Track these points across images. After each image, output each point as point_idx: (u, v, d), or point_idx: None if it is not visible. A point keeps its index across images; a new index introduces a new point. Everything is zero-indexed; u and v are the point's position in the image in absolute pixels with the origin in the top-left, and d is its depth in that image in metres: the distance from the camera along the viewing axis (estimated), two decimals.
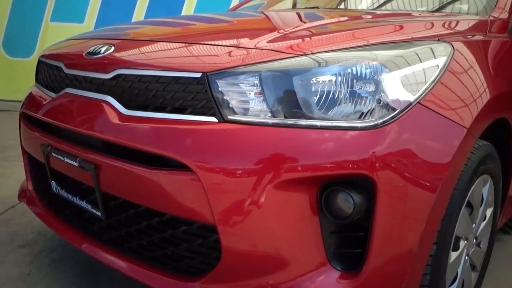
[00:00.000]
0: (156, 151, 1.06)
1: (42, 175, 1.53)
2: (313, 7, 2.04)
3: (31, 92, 1.64)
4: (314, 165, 0.97)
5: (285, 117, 1.00)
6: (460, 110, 1.09)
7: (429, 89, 1.05)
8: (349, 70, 1.02)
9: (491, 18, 1.54)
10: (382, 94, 1.01)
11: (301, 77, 1.01)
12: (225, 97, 1.02)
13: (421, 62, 1.08)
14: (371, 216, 0.98)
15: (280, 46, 1.09)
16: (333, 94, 1.01)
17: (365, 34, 1.20)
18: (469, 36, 1.34)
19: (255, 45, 1.09)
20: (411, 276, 1.07)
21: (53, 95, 1.43)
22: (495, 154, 1.36)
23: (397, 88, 1.02)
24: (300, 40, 1.14)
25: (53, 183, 1.42)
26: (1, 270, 1.66)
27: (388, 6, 1.96)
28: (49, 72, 1.51)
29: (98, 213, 1.25)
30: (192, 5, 5.62)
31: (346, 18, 1.45)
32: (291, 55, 1.04)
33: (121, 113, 1.17)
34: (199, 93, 1.04)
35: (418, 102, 1.02)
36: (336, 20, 1.44)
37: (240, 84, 1.02)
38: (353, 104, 1.01)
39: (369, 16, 1.51)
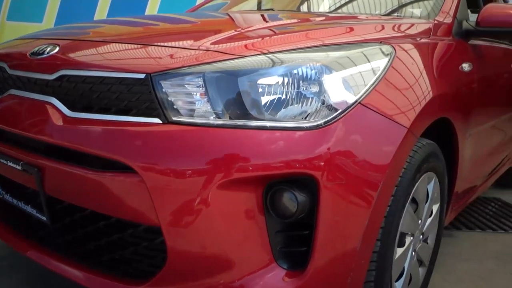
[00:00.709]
0: (101, 153, 1.05)
1: None
2: (267, 9, 2.06)
3: None
4: (258, 165, 0.97)
5: (230, 118, 1.01)
6: (400, 110, 1.12)
7: (370, 90, 1.08)
8: (294, 71, 1.04)
9: (435, 22, 1.60)
10: (325, 95, 1.03)
11: (246, 78, 1.02)
12: (169, 98, 1.01)
13: (363, 63, 1.11)
14: (315, 214, 1.00)
15: (226, 47, 1.09)
16: (278, 95, 1.03)
17: (310, 36, 1.22)
18: (413, 39, 1.39)
19: (199, 46, 1.09)
20: (356, 273, 1.09)
21: None
22: (438, 152, 1.41)
23: (339, 89, 1.04)
24: (246, 41, 1.15)
25: None
26: None
27: (340, 9, 2.01)
28: None
29: (44, 218, 1.21)
30: (156, 4, 5.55)
31: (295, 20, 1.47)
32: (236, 56, 1.04)
33: (65, 115, 1.14)
34: (143, 94, 1.03)
35: (359, 103, 1.05)
36: (284, 22, 1.46)
37: (185, 85, 1.02)
38: (298, 104, 1.03)
39: (317, 19, 1.54)
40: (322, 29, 1.31)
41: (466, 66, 1.59)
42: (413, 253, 1.40)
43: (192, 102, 1.02)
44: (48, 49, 1.25)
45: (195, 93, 1.02)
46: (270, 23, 1.45)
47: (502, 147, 2.52)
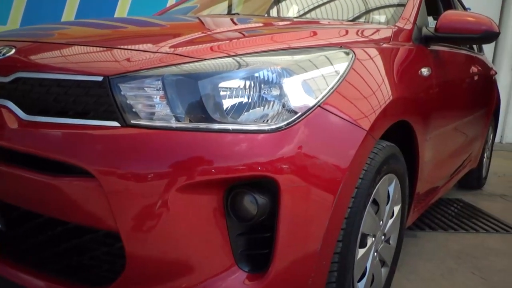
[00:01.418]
0: (57, 157, 1.02)
1: None
2: (233, 14, 2.06)
3: None
4: (219, 168, 0.97)
5: (191, 121, 1.00)
6: (359, 113, 1.15)
7: (329, 93, 1.10)
8: (256, 75, 1.05)
9: (396, 28, 1.65)
10: (286, 98, 1.04)
11: (207, 81, 1.02)
12: (128, 101, 1.00)
13: (323, 67, 1.12)
14: (275, 217, 1.01)
15: (187, 50, 1.09)
16: (240, 98, 1.03)
17: (272, 40, 1.23)
18: (373, 44, 1.42)
19: (159, 49, 1.08)
20: (317, 274, 1.11)
21: None
22: (399, 154, 1.44)
23: (299, 92, 1.06)
24: (207, 44, 1.14)
25: None
26: None
27: (304, 15, 2.04)
28: None
29: None
30: (126, 7, 5.47)
31: (257, 24, 1.48)
32: (196, 60, 1.04)
33: (21, 118, 1.11)
34: (101, 97, 1.01)
35: (319, 106, 1.07)
36: (246, 26, 1.47)
37: (144, 88, 1.01)
38: (259, 107, 1.04)
39: (280, 23, 1.56)
40: (284, 33, 1.33)
41: (425, 71, 1.64)
42: (375, 253, 1.43)
43: (152, 105, 1.01)
44: (4, 51, 1.21)
45: (154, 96, 1.01)
46: (233, 27, 1.45)
47: (463, 149, 2.61)
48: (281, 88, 1.04)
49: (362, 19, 1.89)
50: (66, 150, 1.01)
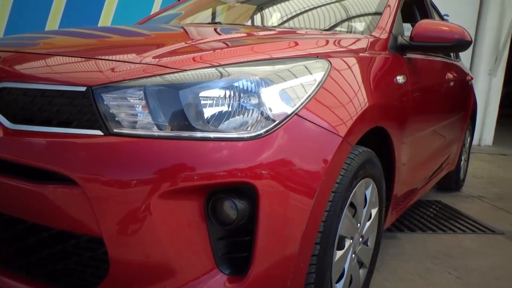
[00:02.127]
0: (42, 165, 1.05)
1: None
2: (215, 23, 2.11)
3: None
4: (199, 175, 1.01)
5: (172, 129, 1.04)
6: (335, 121, 1.20)
7: (306, 101, 1.15)
8: (235, 84, 1.09)
9: (372, 37, 1.71)
10: (264, 107, 1.09)
11: (188, 91, 1.06)
12: (111, 111, 1.03)
13: (299, 77, 1.17)
14: (255, 221, 1.05)
15: (168, 61, 1.13)
16: (220, 107, 1.07)
17: (251, 51, 1.28)
18: (349, 53, 1.48)
19: (142, 60, 1.11)
20: (296, 275, 1.15)
21: None
22: (375, 159, 1.50)
23: (276, 101, 1.10)
24: (188, 55, 1.18)
25: None
26: None
27: (284, 24, 2.09)
28: None
29: None
30: (109, 17, 5.47)
31: (238, 35, 1.53)
32: (177, 70, 1.08)
33: (5, 127, 1.13)
34: (84, 107, 1.04)
35: (296, 114, 1.12)
36: (227, 36, 1.51)
37: (126, 98, 1.04)
38: (239, 116, 1.08)
39: (261, 33, 1.60)
40: (263, 44, 1.37)
41: (400, 78, 1.70)
42: (353, 255, 1.48)
43: (134, 114, 1.04)
44: None
45: (136, 106, 1.04)
46: (214, 37, 1.49)
47: (440, 152, 2.69)
48: (259, 97, 1.09)
49: (339, 28, 1.95)
50: (50, 158, 1.04)
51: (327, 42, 1.50)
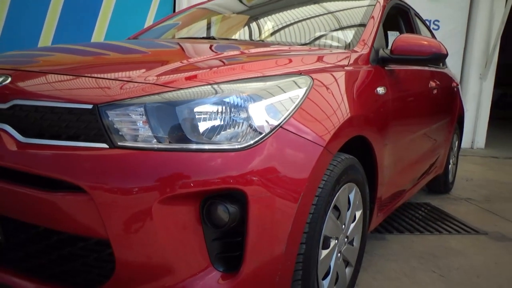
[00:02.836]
0: (52, 175, 1.16)
1: None
2: (209, 38, 2.23)
3: None
4: (195, 182, 1.13)
5: (170, 142, 1.16)
6: (317, 131, 1.32)
7: (290, 115, 1.27)
8: (226, 100, 1.21)
9: (354, 51, 1.84)
10: (252, 120, 1.21)
11: (184, 107, 1.18)
12: (115, 126, 1.15)
13: (283, 93, 1.30)
14: (245, 223, 1.17)
15: (166, 80, 1.25)
16: (213, 121, 1.19)
17: (242, 69, 1.40)
18: (332, 68, 1.61)
19: (143, 79, 1.24)
20: (283, 272, 1.27)
21: None
22: (357, 165, 1.62)
23: (263, 115, 1.23)
24: (184, 74, 1.31)
25: None
26: None
27: (271, 37, 2.23)
28: None
29: None
30: (103, 32, 5.59)
31: (231, 53, 1.65)
32: (174, 89, 1.20)
33: (18, 140, 1.24)
34: (91, 123, 1.16)
35: (281, 127, 1.24)
36: (221, 55, 1.63)
37: (129, 114, 1.16)
38: (230, 129, 1.20)
39: (252, 51, 1.72)
40: (252, 62, 1.49)
41: (381, 90, 1.83)
42: (339, 254, 1.60)
43: (136, 129, 1.16)
44: (1, 79, 1.35)
45: (138, 121, 1.16)
46: (207, 56, 1.61)
47: (426, 156, 2.82)
48: (248, 111, 1.21)
49: (325, 40, 2.08)
50: (60, 168, 1.16)
51: (311, 58, 1.62)
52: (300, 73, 1.41)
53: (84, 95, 1.21)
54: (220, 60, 1.52)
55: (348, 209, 1.62)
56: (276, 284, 1.26)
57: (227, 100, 1.21)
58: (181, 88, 1.20)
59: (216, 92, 1.22)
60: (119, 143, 1.15)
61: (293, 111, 1.28)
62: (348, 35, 2.03)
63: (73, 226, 1.17)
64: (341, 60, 1.72)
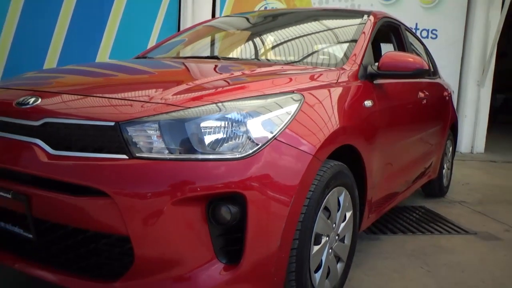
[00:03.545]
0: (80, 182, 1.37)
1: None
2: (213, 57, 2.45)
3: None
4: (202, 187, 1.33)
5: (180, 153, 1.36)
6: (306, 142, 1.52)
7: (283, 128, 1.47)
8: (228, 116, 1.42)
9: (343, 69, 2.04)
10: (250, 133, 1.41)
11: (191, 123, 1.39)
12: (133, 140, 1.36)
13: (278, 109, 1.50)
14: (245, 222, 1.37)
15: (176, 99, 1.45)
16: (216, 134, 1.40)
17: (242, 89, 1.60)
18: (322, 85, 1.81)
19: (157, 100, 1.44)
20: (278, 264, 1.46)
21: None
22: (346, 171, 1.82)
23: (260, 128, 1.43)
24: (192, 94, 1.51)
25: None
26: None
27: (267, 54, 2.46)
28: None
29: (30, 236, 1.51)
30: (108, 47, 5.84)
31: (233, 74, 1.86)
32: (183, 108, 1.41)
33: (49, 153, 1.45)
34: (113, 137, 1.37)
35: (275, 138, 1.44)
36: (223, 76, 1.84)
37: (145, 130, 1.37)
38: (231, 141, 1.40)
39: (248, 72, 1.92)
40: (251, 83, 1.70)
41: (368, 103, 2.03)
42: (330, 250, 1.79)
43: (151, 142, 1.37)
44: (32, 100, 1.56)
45: (153, 135, 1.37)
46: (212, 77, 1.82)
47: (417, 162, 3.00)
48: (246, 126, 1.41)
49: (316, 60, 2.29)
50: (86, 176, 1.36)
51: (303, 77, 1.83)
52: (292, 91, 1.61)
53: (106, 114, 1.42)
54: (223, 81, 1.72)
55: (338, 210, 1.81)
56: (272, 275, 1.46)
57: (228, 116, 1.41)
58: (189, 107, 1.41)
59: (219, 110, 1.42)
60: (137, 154, 1.35)
61: (286, 125, 1.48)
62: (339, 54, 2.24)
63: (98, 225, 1.37)
64: (331, 77, 1.92)
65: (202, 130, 1.38)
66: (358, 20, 2.57)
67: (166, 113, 1.38)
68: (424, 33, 6.86)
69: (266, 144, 1.42)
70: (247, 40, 2.76)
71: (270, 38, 2.67)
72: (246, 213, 1.36)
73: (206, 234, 1.36)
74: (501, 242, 2.88)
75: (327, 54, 2.34)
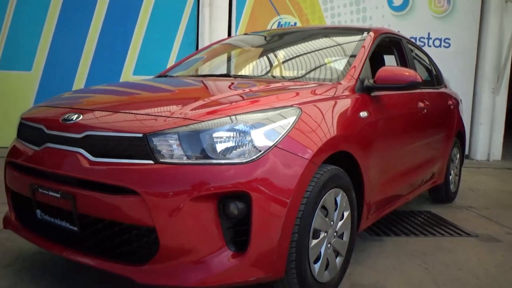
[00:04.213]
0: (115, 183, 1.67)
1: (27, 206, 2.06)
2: (225, 75, 2.76)
3: (14, 145, 2.19)
4: (214, 187, 1.61)
5: (196, 158, 1.65)
6: (304, 149, 1.79)
7: (283, 137, 1.74)
8: (236, 127, 1.70)
9: (341, 84, 2.30)
10: (254, 142, 1.69)
11: (206, 134, 1.67)
12: (158, 148, 1.65)
13: (278, 121, 1.78)
14: (250, 216, 1.64)
15: (192, 115, 1.74)
16: (226, 143, 1.68)
17: (249, 104, 1.88)
18: (321, 98, 2.08)
19: (176, 115, 1.74)
20: (279, 253, 1.72)
21: (36, 148, 1.99)
22: (342, 174, 2.07)
23: (262, 138, 1.71)
24: (206, 109, 1.80)
25: (38, 211, 1.97)
26: None
27: (273, 71, 2.76)
28: (31, 131, 2.08)
29: (75, 229, 1.82)
30: (133, 63, 6.26)
31: (241, 91, 2.16)
32: (198, 121, 1.70)
33: (90, 160, 1.76)
34: (141, 146, 1.67)
35: (276, 146, 1.71)
36: (233, 93, 2.14)
37: (167, 140, 1.66)
38: (238, 148, 1.68)
39: (259, 87, 2.21)
40: (257, 98, 1.98)
41: (363, 114, 2.28)
42: (329, 245, 2.04)
43: (172, 149, 1.66)
44: (75, 116, 1.88)
45: (173, 144, 1.66)
46: (223, 94, 2.12)
47: (419, 168, 3.21)
48: (251, 135, 1.69)
49: (318, 76, 2.56)
50: (121, 178, 1.67)
51: (304, 92, 2.10)
52: (291, 105, 1.89)
53: (136, 127, 1.73)
54: (232, 97, 2.02)
55: (336, 209, 2.06)
56: (274, 262, 1.72)
57: (236, 127, 1.70)
58: (203, 121, 1.70)
59: (229, 122, 1.70)
60: (160, 160, 1.65)
61: (285, 134, 1.76)
62: (337, 70, 2.50)
63: (130, 218, 1.67)
64: (329, 91, 2.19)
65: (214, 140, 1.67)
66: (358, 37, 2.84)
67: (184, 126, 1.67)
68: (437, 42, 7.02)
69: (268, 151, 1.69)
70: (257, 58, 3.07)
71: (277, 56, 2.98)
72: (251, 209, 1.63)
73: (217, 226, 1.64)
74: (501, 243, 3.04)
75: (327, 70, 2.61)
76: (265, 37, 3.43)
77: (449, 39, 7.03)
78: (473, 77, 7.18)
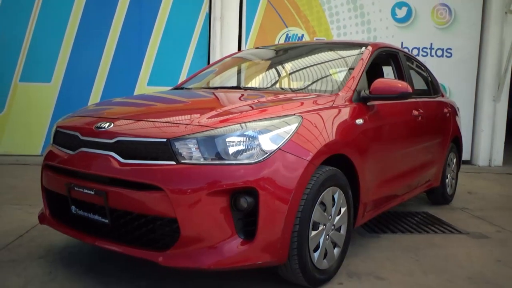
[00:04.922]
0: (143, 181, 1.97)
1: (61, 203, 2.36)
2: (236, 87, 3.06)
3: (50, 151, 2.50)
4: (227, 184, 1.90)
5: (211, 160, 1.94)
6: (304, 151, 2.07)
7: (286, 141, 2.03)
8: (246, 133, 1.99)
9: (339, 94, 2.59)
10: (261, 146, 1.98)
11: (220, 139, 1.97)
12: (179, 151, 1.95)
13: (282, 127, 2.06)
14: (257, 209, 1.92)
15: (208, 122, 2.04)
16: (238, 146, 1.97)
17: (257, 113, 2.17)
18: (320, 107, 2.37)
19: (196, 122, 2.04)
20: (282, 242, 2.00)
21: (71, 152, 2.30)
22: (339, 174, 2.34)
23: (268, 142, 1.99)
24: (219, 118, 2.10)
25: (73, 207, 2.27)
26: (29, 271, 2.44)
27: (279, 83, 3.06)
28: (67, 138, 2.39)
29: (106, 221, 2.11)
30: (147, 75, 6.59)
31: (249, 101, 2.46)
32: (213, 128, 1.99)
33: (120, 161, 2.06)
34: (165, 149, 1.97)
35: (280, 149, 2.00)
36: (242, 103, 2.44)
37: (187, 144, 1.96)
38: (248, 151, 1.97)
39: (266, 98, 2.51)
40: (264, 107, 2.27)
41: (359, 121, 2.56)
42: (327, 236, 2.31)
43: (191, 152, 1.95)
44: (107, 124, 2.19)
45: (192, 148, 1.95)
46: (234, 104, 2.42)
47: (414, 171, 3.47)
48: (258, 140, 1.98)
49: (319, 87, 2.85)
50: (148, 177, 1.96)
51: (305, 102, 2.39)
52: (294, 114, 2.18)
53: (160, 133, 2.03)
54: (242, 107, 2.31)
55: (333, 206, 2.34)
56: (278, 249, 2.00)
57: (246, 133, 1.99)
58: (218, 127, 1.99)
59: (239, 129, 2.00)
60: (181, 161, 1.94)
61: (288, 139, 2.05)
62: (337, 82, 2.79)
63: (155, 211, 1.96)
64: (328, 101, 2.48)
65: (227, 144, 1.96)
66: (357, 51, 3.13)
67: (202, 132, 1.97)
68: (439, 52, 7.26)
69: (273, 153, 1.98)
70: (265, 71, 3.38)
71: (283, 69, 3.28)
72: (258, 203, 1.92)
73: (229, 217, 1.92)
74: (490, 240, 3.28)
75: (328, 82, 2.90)
76: (273, 51, 3.74)
77: (451, 49, 7.26)
78: (475, 85, 7.40)
